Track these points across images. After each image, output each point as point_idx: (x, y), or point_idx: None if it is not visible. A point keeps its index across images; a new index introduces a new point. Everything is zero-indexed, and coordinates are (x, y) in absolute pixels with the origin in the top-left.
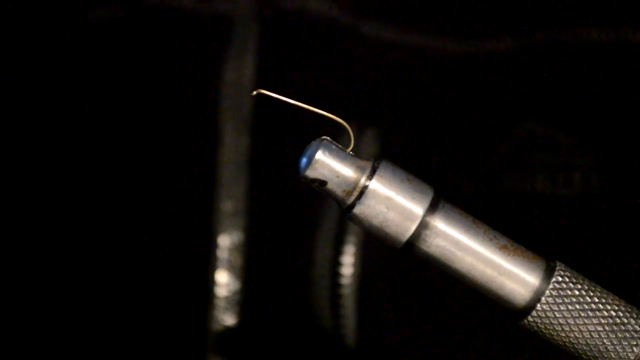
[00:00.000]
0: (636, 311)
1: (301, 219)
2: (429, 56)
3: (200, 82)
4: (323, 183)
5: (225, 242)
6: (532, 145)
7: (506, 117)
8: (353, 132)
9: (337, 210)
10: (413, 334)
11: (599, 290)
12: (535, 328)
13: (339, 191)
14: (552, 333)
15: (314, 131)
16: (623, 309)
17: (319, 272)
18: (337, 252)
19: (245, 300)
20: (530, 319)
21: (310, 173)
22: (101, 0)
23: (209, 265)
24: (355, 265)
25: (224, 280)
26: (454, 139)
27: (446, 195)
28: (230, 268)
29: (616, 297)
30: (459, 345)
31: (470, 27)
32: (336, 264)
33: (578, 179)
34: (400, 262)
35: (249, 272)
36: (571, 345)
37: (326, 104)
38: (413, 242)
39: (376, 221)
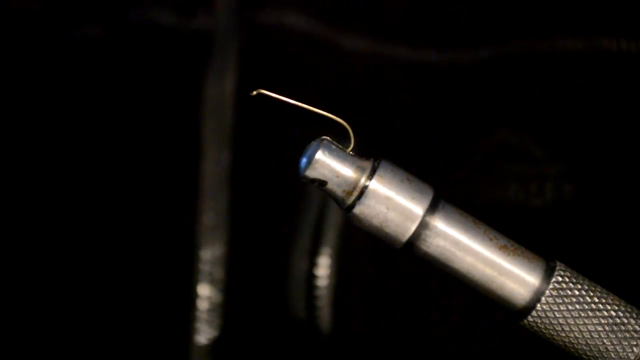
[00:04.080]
0: (636, 311)
1: (279, 231)
2: (406, 68)
3: (182, 97)
4: (323, 183)
5: (207, 255)
6: (504, 155)
7: (479, 127)
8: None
9: (313, 224)
10: (387, 343)
11: (599, 290)
12: (535, 328)
13: (339, 191)
14: (552, 333)
15: (297, 146)
16: (623, 309)
17: (296, 283)
18: (312, 264)
19: (227, 312)
20: (530, 319)
21: (310, 173)
22: (85, 18)
23: (191, 278)
24: (330, 277)
25: (205, 293)
26: (427, 148)
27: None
28: (212, 281)
29: (616, 297)
30: (435, 355)
31: (445, 37)
32: (311, 276)
33: (550, 188)
34: (374, 274)
35: (231, 285)
36: (571, 345)
37: (304, 117)
38: (413, 242)
39: (376, 221)
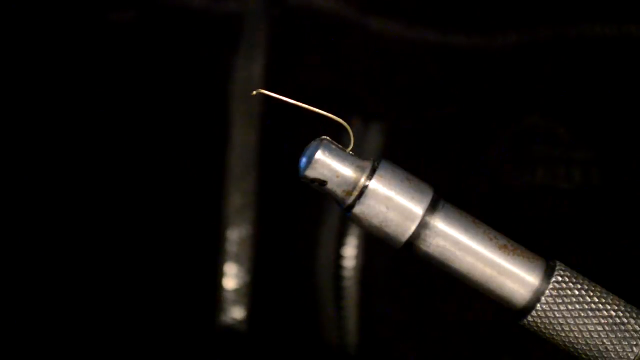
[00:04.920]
0: (636, 311)
1: (307, 212)
2: (434, 51)
3: (210, 79)
4: (323, 183)
5: (234, 235)
6: (532, 139)
7: (508, 111)
8: (356, 129)
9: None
10: (413, 326)
11: (599, 290)
12: (535, 328)
13: (339, 191)
14: (552, 333)
15: (322, 127)
16: (623, 309)
17: (323, 264)
18: (340, 245)
19: (253, 292)
20: (530, 319)
21: (310, 173)
22: (118, 3)
23: (218, 258)
24: (357, 258)
25: (232, 273)
26: (456, 132)
27: (448, 189)
28: (239, 261)
29: (616, 297)
30: (459, 339)
31: (474, 22)
32: (339, 257)
33: (578, 172)
34: (402, 256)
35: (257, 265)
36: (571, 345)
37: (333, 99)
38: (413, 242)
39: (376, 221)
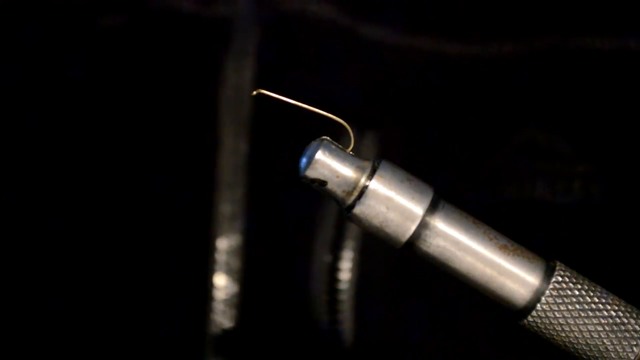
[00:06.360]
0: (636, 311)
1: (299, 222)
2: (429, 59)
3: (200, 85)
4: (323, 183)
5: (224, 245)
6: (532, 153)
7: (506, 124)
8: (353, 133)
9: (335, 215)
10: (409, 339)
11: (599, 290)
12: (535, 328)
13: (339, 191)
14: (552, 333)
15: (313, 135)
16: (623, 309)
17: (317, 276)
18: (335, 256)
19: (243, 303)
20: (530, 319)
21: (310, 173)
22: (108, 7)
23: (207, 268)
24: (352, 270)
25: (222, 284)
26: (453, 144)
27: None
28: (229, 271)
29: (616, 297)
30: (456, 350)
31: (471, 31)
32: (334, 268)
33: (578, 186)
34: (397, 268)
35: (247, 275)
36: (571, 345)
37: (326, 107)
38: (413, 242)
39: (376, 221)
